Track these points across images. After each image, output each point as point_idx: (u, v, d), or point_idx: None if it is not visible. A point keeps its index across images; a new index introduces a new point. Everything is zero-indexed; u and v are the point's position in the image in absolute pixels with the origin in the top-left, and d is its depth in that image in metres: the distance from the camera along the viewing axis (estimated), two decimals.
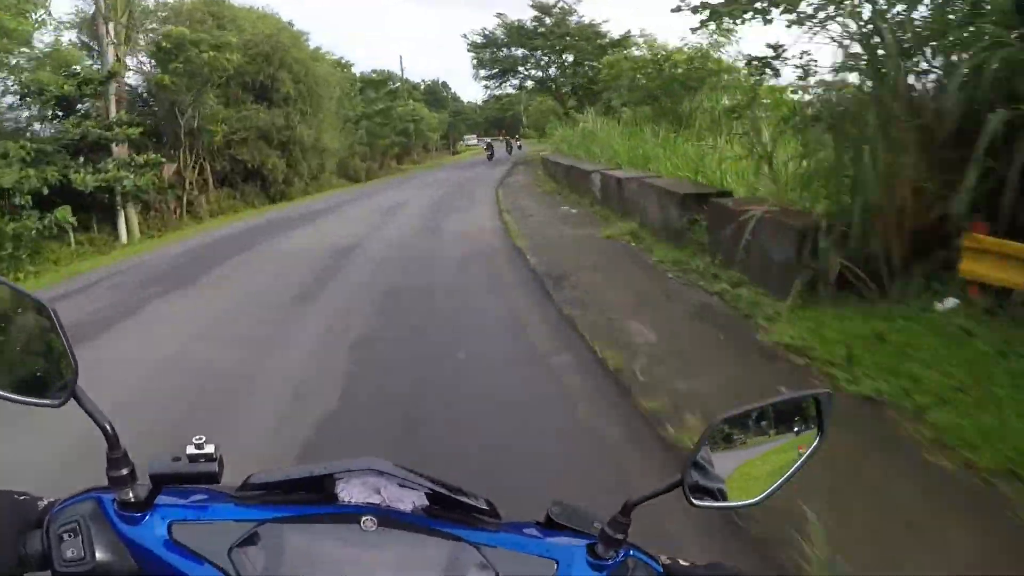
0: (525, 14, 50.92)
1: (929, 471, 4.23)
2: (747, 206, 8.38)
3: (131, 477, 1.12)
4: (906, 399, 5.07)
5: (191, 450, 1.09)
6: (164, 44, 24.14)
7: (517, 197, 21.32)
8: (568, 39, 43.37)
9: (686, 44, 23.04)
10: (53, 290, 12.08)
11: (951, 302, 6.75)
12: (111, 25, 23.37)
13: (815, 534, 3.44)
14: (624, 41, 40.96)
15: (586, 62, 44.23)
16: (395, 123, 47.28)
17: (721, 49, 22.46)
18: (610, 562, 1.15)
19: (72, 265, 17.40)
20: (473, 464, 4.39)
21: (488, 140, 57.91)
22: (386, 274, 11.40)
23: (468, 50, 47.28)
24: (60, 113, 23.51)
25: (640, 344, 6.67)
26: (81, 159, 21.94)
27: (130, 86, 26.48)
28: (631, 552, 1.18)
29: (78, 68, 23.63)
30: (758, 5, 9.79)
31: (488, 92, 57.07)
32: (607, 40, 42.95)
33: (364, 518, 1.10)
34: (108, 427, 1.12)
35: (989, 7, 7.16)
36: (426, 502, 1.17)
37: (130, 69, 25.81)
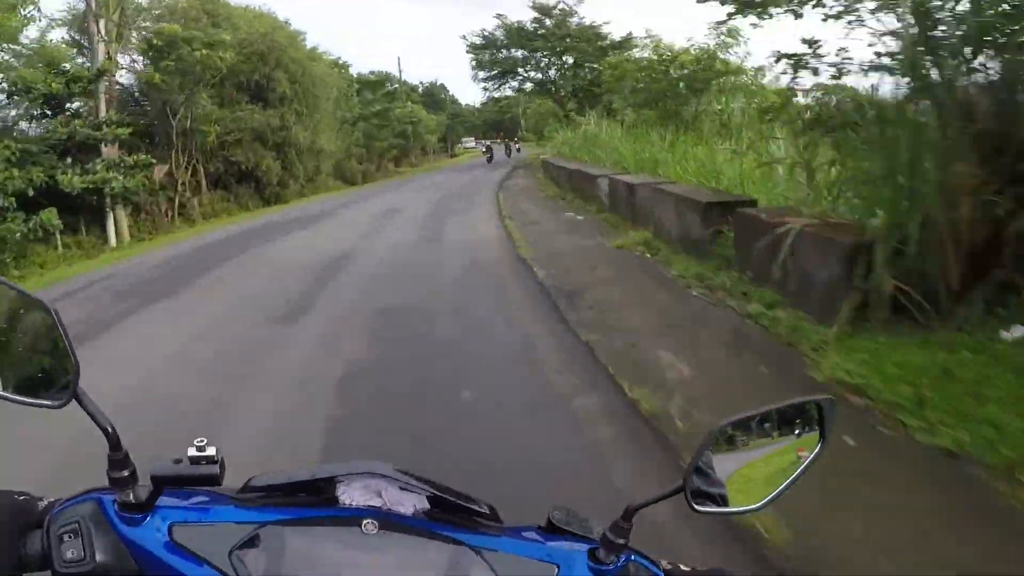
0: (524, 15, 50.12)
1: None
2: (782, 218, 7.51)
3: (132, 478, 1.10)
4: (992, 453, 4.21)
5: (192, 452, 1.08)
6: (155, 42, 23.30)
7: (519, 202, 20.39)
8: (569, 41, 42.45)
9: (693, 45, 22.21)
10: None
11: (1020, 330, 5.90)
12: (102, 22, 22.61)
13: None
14: (625, 43, 40.17)
15: (587, 64, 43.39)
16: (393, 125, 46.51)
17: (729, 50, 21.71)
18: (611, 567, 1.15)
19: (58, 270, 16.78)
20: None
21: (488, 143, 56.95)
22: (380, 290, 10.44)
23: (467, 51, 46.48)
24: (49, 112, 22.73)
25: (674, 380, 5.77)
26: (69, 160, 21.19)
27: (122, 85, 25.78)
28: (632, 557, 1.18)
29: (67, 66, 22.76)
30: None
31: (487, 94, 56.15)
32: (608, 42, 42.09)
33: (365, 521, 1.09)
34: (109, 428, 1.11)
35: None
36: (427, 505, 1.17)
37: (122, 68, 25.05)
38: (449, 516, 1.17)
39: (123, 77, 25.56)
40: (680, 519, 3.31)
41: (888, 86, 8.00)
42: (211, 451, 1.08)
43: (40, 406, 1.14)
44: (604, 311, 7.92)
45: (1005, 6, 6.86)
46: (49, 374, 1.16)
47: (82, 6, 23.26)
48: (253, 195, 28.88)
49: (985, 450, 4.26)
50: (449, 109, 79.87)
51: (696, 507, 1.16)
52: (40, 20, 22.88)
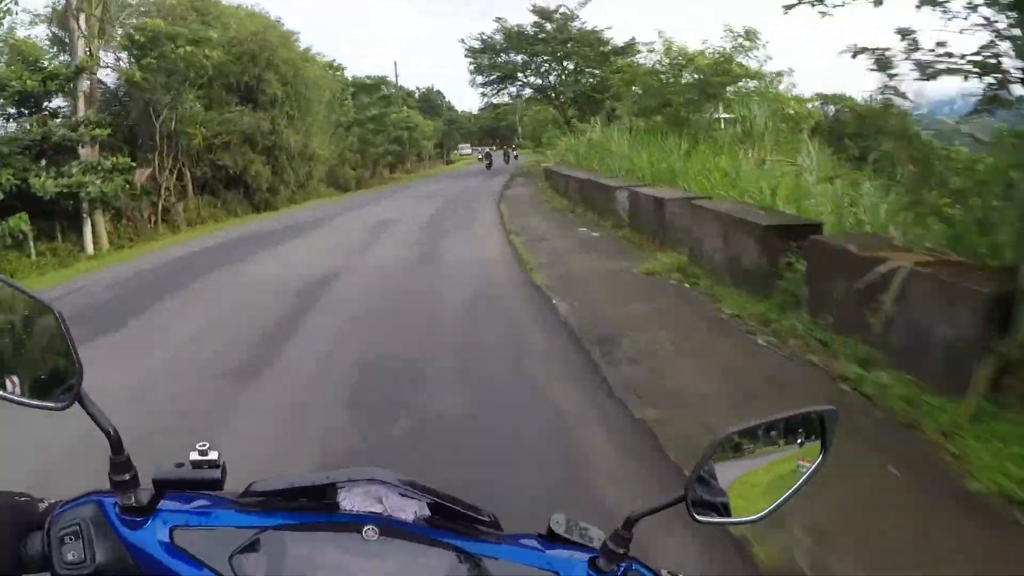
0: (524, 19, 48.42)
1: None
2: (877, 252, 5.84)
3: (134, 482, 1.10)
4: None
5: (194, 456, 1.08)
6: (137, 37, 21.68)
7: (524, 215, 18.53)
8: (570, 45, 40.83)
9: (708, 48, 20.60)
10: None
11: None
12: (83, 17, 21.00)
13: None
14: (629, 48, 38.67)
15: (588, 69, 41.81)
16: (388, 130, 44.86)
17: (749, 54, 20.11)
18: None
19: (30, 279, 15.30)
20: None
21: (487, 150, 55.18)
22: (366, 332, 8.23)
23: (466, 55, 44.72)
24: (25, 111, 21.38)
25: None
26: (43, 162, 19.66)
27: (104, 84, 24.14)
28: (633, 566, 1.16)
29: (44, 62, 21.35)
30: None
31: (485, 99, 54.38)
32: (610, 47, 40.50)
33: (366, 527, 1.09)
34: (111, 431, 1.11)
35: None
36: (428, 512, 1.16)
37: (106, 66, 23.58)
38: (450, 523, 1.15)
39: (107, 76, 24.11)
40: None
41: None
42: (213, 455, 1.08)
43: (43, 408, 1.12)
44: (653, 367, 6.16)
45: None
46: (52, 376, 1.14)
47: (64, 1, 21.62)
48: (242, 201, 27.38)
49: None
50: (446, 115, 78.08)
51: (697, 517, 1.15)
52: (16, 14, 21.71)
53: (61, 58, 22.41)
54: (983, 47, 6.14)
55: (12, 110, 21.34)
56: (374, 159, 44.45)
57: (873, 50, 7.18)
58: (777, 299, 7.21)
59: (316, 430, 5.35)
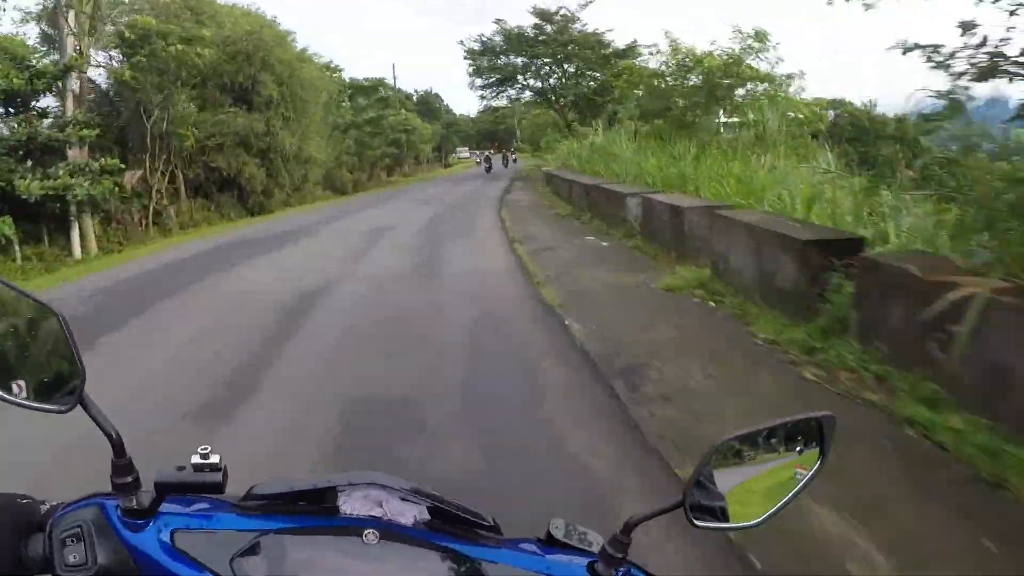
0: (524, 21, 47.64)
1: None
2: (946, 276, 5.08)
3: (135, 484, 1.11)
4: None
5: (196, 460, 1.10)
6: (127, 35, 20.90)
7: (526, 221, 17.69)
8: (571, 47, 40.07)
9: (716, 49, 19.85)
10: None
11: None
12: (72, 14, 20.22)
13: None
14: (630, 51, 38.04)
15: (589, 72, 41.10)
16: (386, 133, 44.12)
17: (760, 55, 19.35)
18: None
19: None
20: None
21: (486, 153, 54.68)
22: (355, 361, 7.07)
23: (465, 57, 43.97)
24: (11, 111, 20.33)
25: None
26: (29, 163, 19.03)
27: (95, 83, 23.37)
28: (631, 571, 1.16)
29: (32, 60, 20.42)
30: None
31: (484, 102, 53.56)
32: (611, 50, 39.80)
33: (366, 531, 1.09)
34: (114, 434, 1.11)
35: None
36: (428, 516, 1.16)
37: (99, 65, 22.86)
38: (449, 527, 1.16)
39: (99, 76, 23.43)
40: None
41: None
42: (215, 459, 1.09)
43: (46, 411, 1.12)
44: (689, 407, 5.31)
45: None
46: (54, 379, 1.15)
47: None
48: (235, 204, 26.61)
49: None
50: (444, 118, 77.31)
51: (695, 522, 1.15)
52: (4, 11, 21.14)
53: (53, 57, 21.57)
54: None
55: None
56: (371, 162, 43.65)
57: (926, 47, 6.44)
58: (819, 323, 6.40)
59: None
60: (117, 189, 20.14)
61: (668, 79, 21.57)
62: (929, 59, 6.42)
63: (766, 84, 19.93)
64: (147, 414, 5.54)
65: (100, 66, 22.90)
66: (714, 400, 5.43)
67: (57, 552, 1.04)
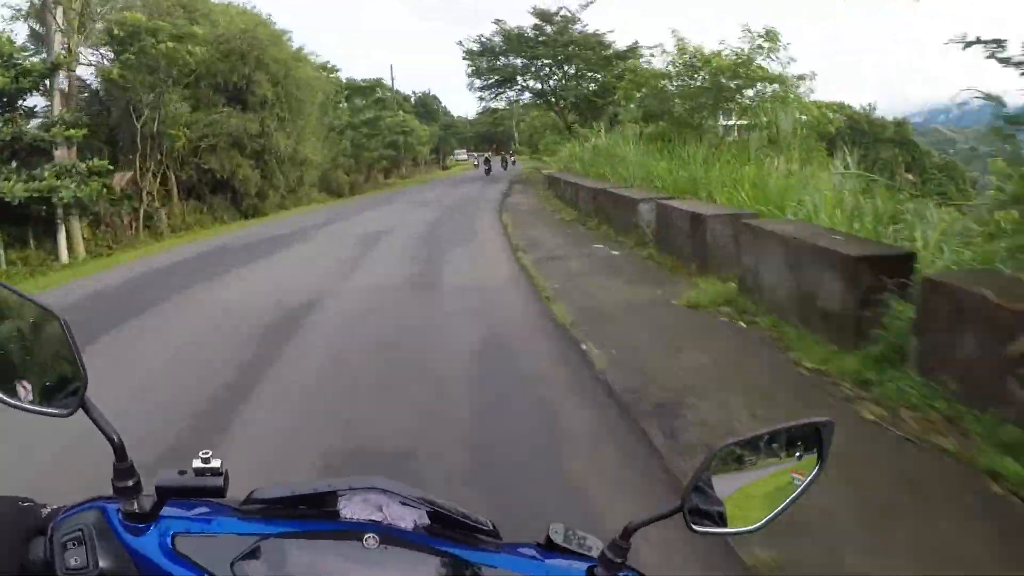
0: (524, 22, 46.79)
1: None
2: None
3: (136, 488, 1.10)
4: None
5: (197, 464, 1.08)
6: (116, 32, 20.11)
7: (530, 227, 16.76)
8: (572, 48, 39.22)
9: (725, 48, 19.08)
10: None
11: None
12: (59, 10, 19.45)
13: None
14: (631, 52, 37.19)
15: (590, 73, 40.26)
16: (383, 134, 43.28)
17: (773, 55, 18.57)
18: None
19: None
20: None
21: (485, 155, 54.08)
22: (341, 402, 5.89)
23: (464, 57, 42.95)
24: None
25: None
26: (14, 164, 18.38)
27: (84, 82, 22.64)
28: None
29: (18, 58, 19.58)
30: None
31: (483, 104, 52.58)
32: (612, 51, 38.94)
33: (366, 535, 1.07)
34: (115, 438, 1.11)
35: None
36: (428, 521, 1.14)
37: (89, 64, 22.09)
38: (449, 532, 1.14)
39: (90, 74, 22.65)
40: None
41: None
42: (216, 463, 1.08)
43: (48, 414, 1.12)
44: None
45: None
46: (57, 383, 1.15)
47: None
48: (229, 207, 25.88)
49: None
50: (442, 120, 76.64)
51: (694, 527, 1.14)
52: None
53: (44, 55, 20.54)
54: None
55: None
56: (368, 164, 42.80)
57: (988, 42, 5.69)
58: (871, 351, 5.60)
59: None
60: (105, 191, 19.50)
61: (674, 79, 20.76)
62: (992, 55, 5.68)
63: (775, 85, 19.14)
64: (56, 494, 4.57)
65: (91, 65, 22.22)
66: None
67: (58, 556, 1.02)
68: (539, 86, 42.74)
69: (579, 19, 39.30)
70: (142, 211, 21.60)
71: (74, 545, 1.03)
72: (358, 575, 1.06)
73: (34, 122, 19.76)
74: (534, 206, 22.65)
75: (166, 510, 1.09)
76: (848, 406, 5.08)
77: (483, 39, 41.91)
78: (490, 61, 42.32)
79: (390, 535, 1.08)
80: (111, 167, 19.55)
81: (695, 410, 5.13)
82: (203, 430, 5.30)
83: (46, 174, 17.83)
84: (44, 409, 1.13)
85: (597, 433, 5.07)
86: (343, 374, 6.73)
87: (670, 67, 20.81)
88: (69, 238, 18.81)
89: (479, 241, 15.61)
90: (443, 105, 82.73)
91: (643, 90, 22.71)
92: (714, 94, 19.21)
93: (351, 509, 1.11)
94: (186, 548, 1.05)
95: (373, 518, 1.11)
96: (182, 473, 1.07)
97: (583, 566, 1.14)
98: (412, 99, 69.47)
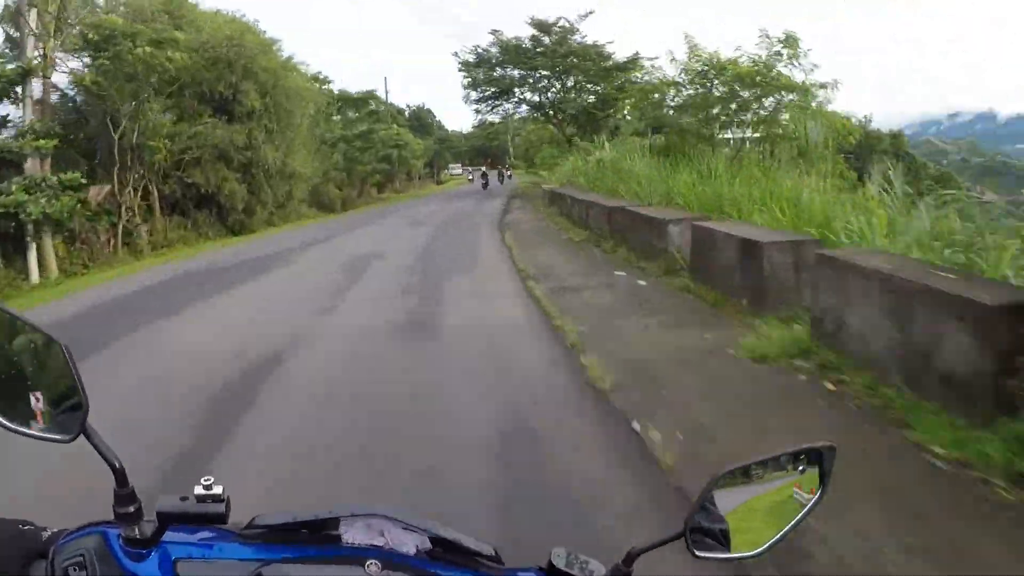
0: (521, 32, 45.40)
1: None
2: None
3: (138, 514, 1.08)
4: None
5: (199, 490, 1.06)
6: (91, 36, 18.60)
7: (537, 249, 15.00)
8: (570, 59, 37.81)
9: (742, 54, 17.71)
10: None
11: None
12: (34, 13, 17.96)
13: None
14: (631, 63, 36.08)
15: (589, 85, 38.81)
16: (377, 148, 41.66)
17: (795, 62, 17.22)
18: None
19: None
20: None
21: (482, 169, 53.00)
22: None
23: (459, 69, 41.45)
24: None
25: None
26: None
27: (60, 90, 21.12)
28: None
29: None
30: None
31: (479, 116, 50.99)
32: (612, 62, 37.55)
33: (368, 561, 1.06)
34: (117, 464, 1.09)
35: None
36: (429, 546, 1.12)
37: (68, 71, 20.49)
38: (451, 557, 1.13)
39: (66, 81, 21.00)
40: None
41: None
42: (217, 490, 1.06)
43: (49, 440, 1.11)
44: None
45: None
46: (58, 408, 1.13)
47: None
48: (214, 222, 24.40)
49: None
50: (436, 134, 75.23)
51: (697, 553, 1.13)
52: None
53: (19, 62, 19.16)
54: None
55: None
56: (361, 178, 41.35)
57: None
58: (1018, 430, 4.07)
59: None
60: (80, 206, 18.11)
61: (687, 87, 19.38)
62: None
63: (794, 94, 17.77)
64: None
65: (70, 72, 20.62)
66: None
67: None
68: (537, 98, 41.34)
69: (578, 29, 37.96)
70: (120, 227, 20.10)
71: (75, 570, 1.00)
72: None
73: (6, 132, 18.44)
74: (537, 224, 20.97)
75: (167, 535, 1.06)
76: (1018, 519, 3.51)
77: (479, 50, 40.52)
78: (487, 72, 40.89)
79: (392, 561, 1.06)
80: (84, 180, 18.10)
81: (819, 538, 3.46)
82: None
83: (14, 188, 16.48)
84: (45, 434, 1.10)
85: None
86: (305, 486, 4.42)
87: (682, 75, 19.38)
88: (41, 256, 17.38)
89: (481, 267, 13.88)
90: (438, 119, 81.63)
91: (655, 96, 21.33)
92: (729, 104, 17.90)
93: (353, 534, 1.09)
94: (187, 573, 1.03)
95: (375, 543, 1.09)
96: (183, 499, 1.04)
97: None
98: (406, 112, 68.21)
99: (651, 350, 6.90)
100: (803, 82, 17.28)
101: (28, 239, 16.98)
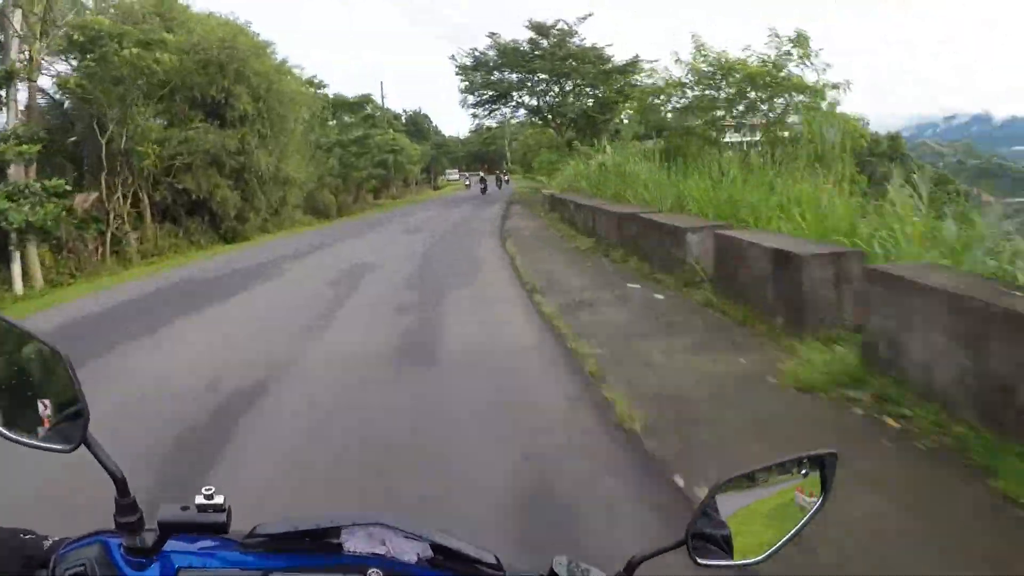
0: (520, 35, 44.80)
1: None
2: None
3: (139, 524, 1.07)
4: None
5: (200, 500, 1.06)
6: (76, 37, 17.91)
7: (541, 258, 14.15)
8: (569, 62, 37.27)
9: (751, 54, 17.11)
10: None
11: None
12: (18, 14, 17.27)
13: None
14: (631, 66, 35.59)
15: (588, 88, 38.28)
16: (373, 153, 40.86)
17: (807, 62, 16.65)
18: None
19: None
20: None
21: (480, 175, 52.25)
22: None
23: (456, 72, 41.02)
24: None
25: None
26: None
27: (46, 93, 20.52)
28: None
29: None
30: None
31: (476, 120, 50.42)
32: (611, 65, 37.04)
33: (370, 570, 1.05)
34: (118, 474, 1.09)
35: None
36: (431, 554, 1.10)
37: (54, 74, 19.86)
38: (452, 565, 1.10)
39: (51, 85, 20.38)
40: None
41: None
42: (219, 499, 1.06)
43: (50, 450, 1.09)
44: None
45: None
46: (59, 418, 1.11)
47: None
48: (207, 230, 23.65)
49: None
50: (433, 139, 74.60)
51: (699, 560, 1.11)
52: None
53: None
54: None
55: None
56: (357, 184, 40.54)
57: None
58: None
59: None
60: (65, 214, 17.42)
61: (693, 88, 18.79)
62: None
63: (804, 95, 17.16)
64: None
65: (56, 75, 19.99)
66: None
67: None
68: (535, 102, 40.85)
69: (576, 32, 37.44)
70: (109, 235, 19.39)
71: None
72: None
73: None
74: (539, 231, 20.20)
75: (169, 545, 1.05)
76: None
77: (477, 53, 39.98)
78: (484, 76, 40.29)
79: (393, 569, 1.05)
80: (69, 187, 17.36)
81: None
82: None
83: None
84: (46, 444, 1.09)
85: None
86: None
87: (689, 75, 18.79)
88: (26, 266, 16.66)
89: (483, 279, 12.89)
90: (434, 124, 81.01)
91: (661, 97, 20.75)
92: (736, 105, 17.32)
93: (354, 543, 1.07)
94: None
95: (376, 552, 1.07)
96: (185, 509, 1.04)
97: None
98: (403, 118, 67.54)
99: (681, 379, 6.10)
100: (816, 82, 16.65)
101: (12, 248, 16.25)
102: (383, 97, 52.75)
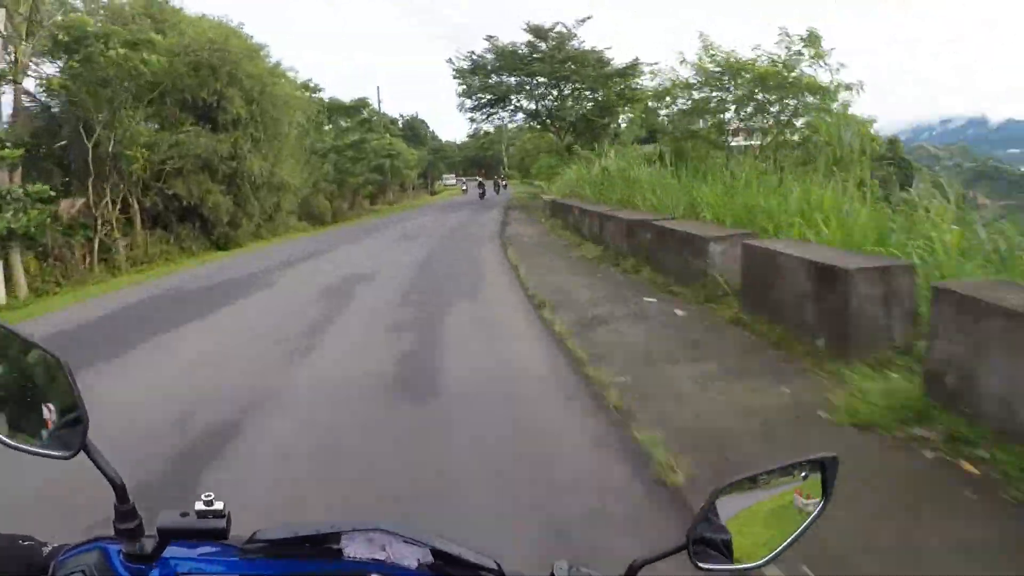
0: (518, 38, 44.26)
1: None
2: None
3: (139, 530, 1.07)
4: None
5: (200, 506, 1.04)
6: (61, 37, 17.26)
7: (546, 267, 13.30)
8: (568, 65, 36.70)
9: (760, 55, 16.53)
10: None
11: None
12: (1, 13, 16.64)
13: None
14: (631, 68, 35.08)
15: (587, 92, 37.68)
16: (369, 158, 40.23)
17: (821, 62, 16.08)
18: None
19: None
20: None
21: (479, 180, 52.09)
22: None
23: (454, 76, 40.29)
24: None
25: None
26: None
27: (32, 96, 19.71)
28: None
29: None
30: None
31: (474, 125, 49.81)
32: (611, 68, 36.44)
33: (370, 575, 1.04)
34: (117, 480, 1.08)
35: None
36: (431, 559, 1.08)
37: (42, 76, 19.11)
38: (453, 570, 1.08)
39: (37, 87, 19.68)
40: None
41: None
42: (218, 505, 1.04)
43: (49, 456, 1.07)
44: None
45: None
46: (58, 424, 1.10)
47: None
48: (199, 236, 23.12)
49: None
50: (430, 144, 74.00)
51: (699, 565, 1.09)
52: None
53: None
54: None
55: None
56: (353, 189, 39.87)
57: None
58: None
59: None
60: (51, 220, 16.86)
61: (701, 89, 18.23)
62: None
63: (815, 96, 16.58)
64: None
65: (40, 77, 19.34)
66: None
67: None
68: (533, 106, 40.19)
69: (576, 35, 36.87)
70: (97, 242, 18.78)
71: None
72: None
73: None
74: (541, 239, 19.45)
75: (168, 551, 1.04)
76: None
77: (474, 56, 39.36)
78: (482, 79, 39.65)
79: (394, 575, 1.04)
80: (54, 193, 16.71)
81: None
82: None
83: None
84: (46, 451, 1.07)
85: None
86: None
87: (696, 76, 18.22)
88: (9, 274, 16.00)
89: (485, 291, 11.99)
90: (431, 129, 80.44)
91: (666, 99, 20.18)
92: (744, 107, 16.75)
93: (354, 549, 1.06)
94: None
95: (376, 558, 1.06)
96: (184, 515, 1.03)
97: None
98: (399, 122, 66.99)
99: (721, 414, 5.29)
100: (829, 83, 16.05)
101: None
102: (379, 101, 51.97)
